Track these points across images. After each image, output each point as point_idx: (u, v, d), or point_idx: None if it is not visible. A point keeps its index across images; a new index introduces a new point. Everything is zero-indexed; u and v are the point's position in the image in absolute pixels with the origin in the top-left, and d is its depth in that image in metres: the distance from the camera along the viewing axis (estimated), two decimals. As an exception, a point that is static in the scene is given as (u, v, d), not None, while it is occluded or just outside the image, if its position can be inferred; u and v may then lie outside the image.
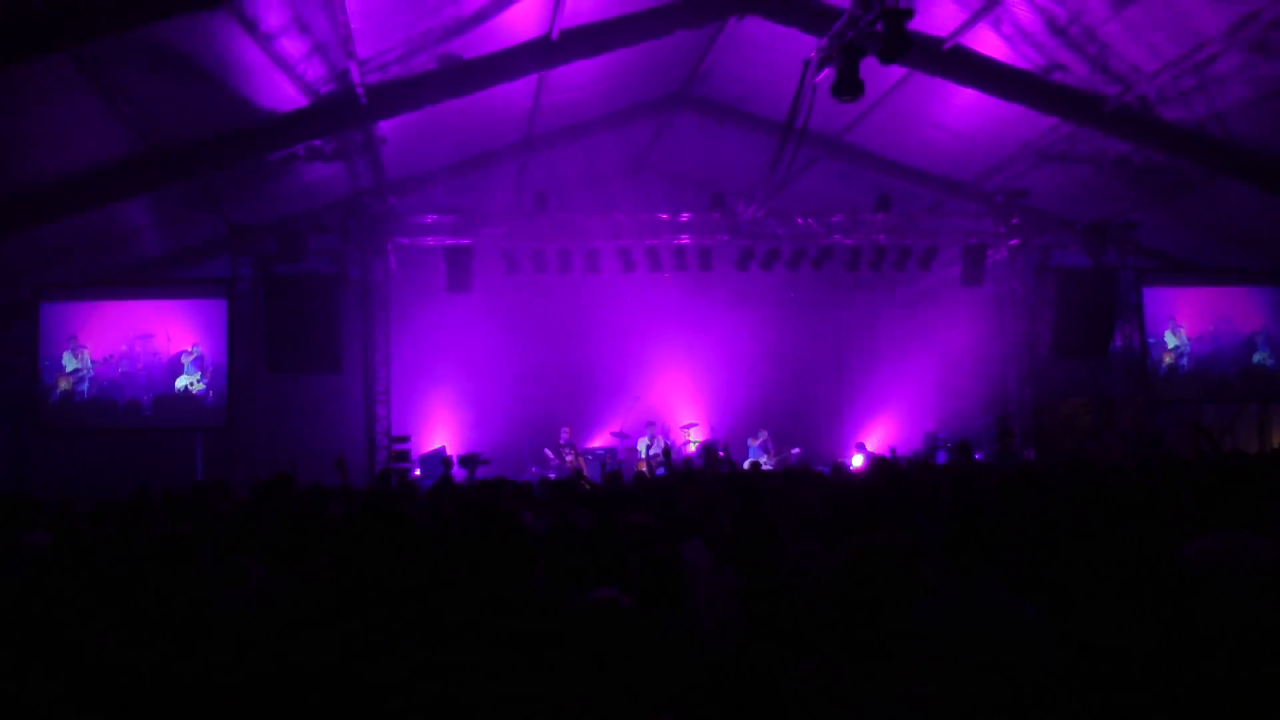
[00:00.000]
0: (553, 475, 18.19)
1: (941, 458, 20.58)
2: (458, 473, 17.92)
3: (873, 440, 24.64)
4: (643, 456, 21.17)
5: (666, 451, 17.27)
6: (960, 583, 4.38)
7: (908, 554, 4.16)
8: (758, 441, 22.08)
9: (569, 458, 20.90)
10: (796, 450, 22.23)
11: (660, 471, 17.63)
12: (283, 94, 14.75)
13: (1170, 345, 21.09)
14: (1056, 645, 4.21)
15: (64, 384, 18.24)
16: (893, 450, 21.26)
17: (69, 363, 18.26)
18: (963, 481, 7.87)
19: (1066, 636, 4.33)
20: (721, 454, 20.11)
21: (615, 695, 3.58)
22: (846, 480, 11.88)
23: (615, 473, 14.42)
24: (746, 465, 20.25)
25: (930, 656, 4.11)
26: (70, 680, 3.85)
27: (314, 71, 14.41)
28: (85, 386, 18.28)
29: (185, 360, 18.56)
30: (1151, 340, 20.99)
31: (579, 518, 7.92)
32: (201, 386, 18.54)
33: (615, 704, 3.54)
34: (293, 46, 13.58)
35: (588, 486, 12.85)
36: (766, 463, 21.02)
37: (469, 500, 10.23)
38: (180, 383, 18.49)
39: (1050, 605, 4.49)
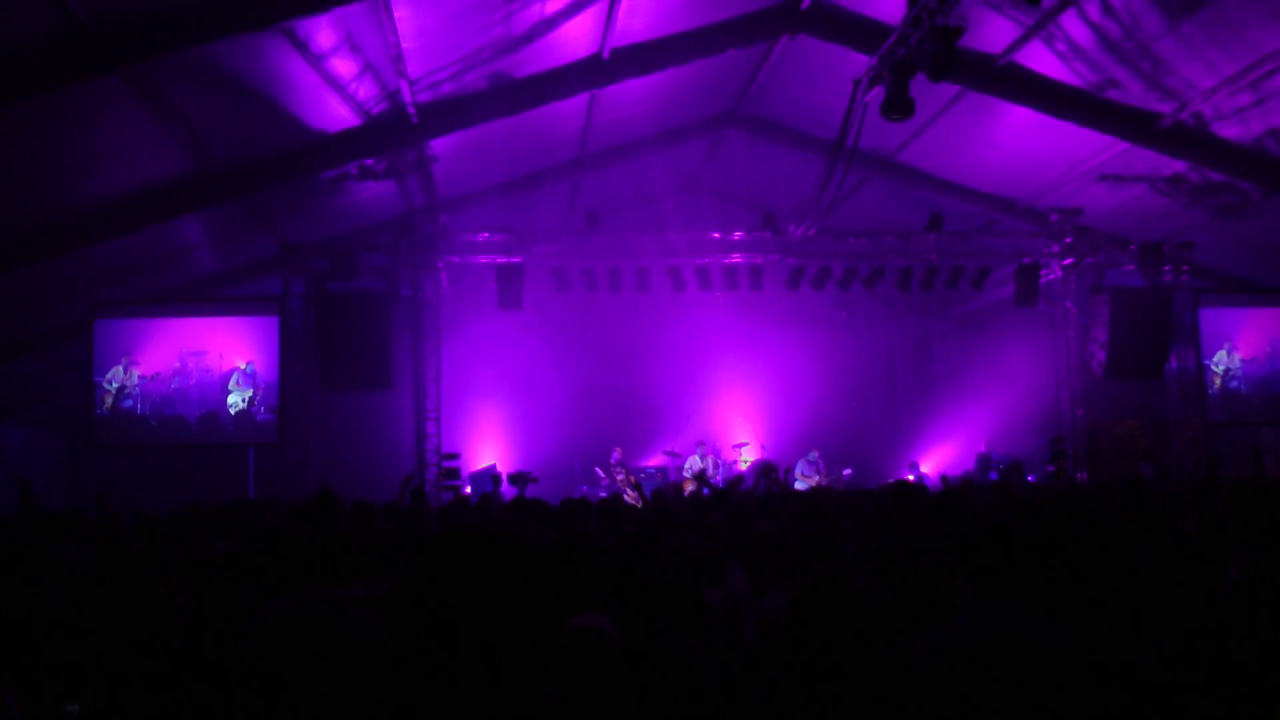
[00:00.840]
0: (603, 493, 18.22)
1: (994, 478, 20.43)
2: (507, 490, 17.94)
3: (928, 461, 24.50)
4: (687, 476, 21.12)
5: (701, 474, 17.18)
6: (985, 606, 4.31)
7: (942, 576, 4.10)
8: (809, 461, 21.98)
9: (620, 477, 20.88)
10: (848, 471, 22.12)
11: (706, 492, 17.57)
12: (335, 113, 14.85)
13: (1221, 369, 20.83)
14: (1084, 673, 4.14)
15: (117, 401, 18.42)
16: (944, 476, 21.12)
17: (122, 379, 18.45)
18: (1002, 503, 7.77)
19: (1103, 663, 4.26)
20: (782, 476, 20.08)
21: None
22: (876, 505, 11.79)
23: (657, 491, 14.39)
24: (799, 486, 20.14)
25: (950, 681, 4.04)
26: (104, 693, 3.87)
27: (366, 91, 14.51)
28: (138, 403, 18.45)
29: (237, 377, 18.71)
30: (1206, 362, 20.75)
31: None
32: (254, 403, 18.67)
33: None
34: (344, 66, 13.68)
35: (633, 503, 12.82)
36: (819, 482, 20.93)
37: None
38: (232, 399, 18.63)
39: (1091, 630, 4.42)
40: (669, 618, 4.71)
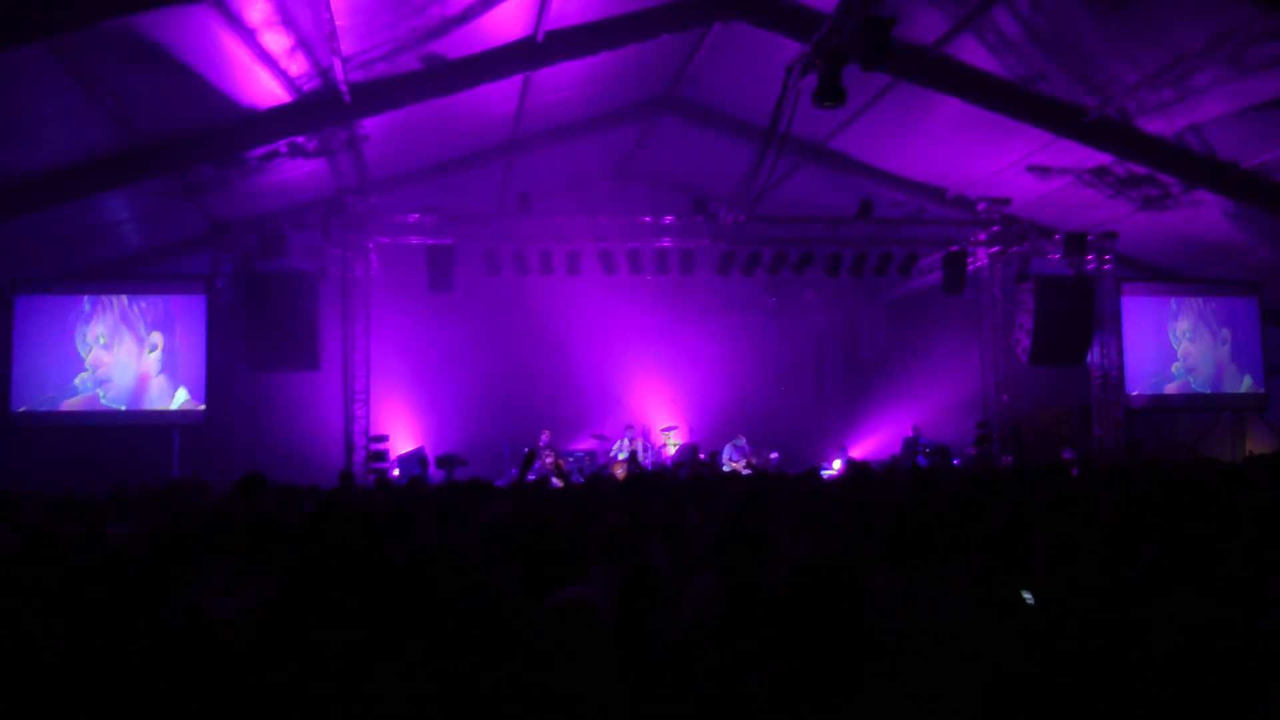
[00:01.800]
0: (532, 477, 18.22)
1: (922, 462, 20.69)
2: (435, 474, 17.92)
3: (857, 446, 24.76)
4: (617, 459, 21.20)
5: (632, 455, 17.26)
6: (906, 582, 4.43)
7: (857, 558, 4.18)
8: (735, 445, 22.14)
9: (549, 460, 20.90)
10: (775, 455, 22.30)
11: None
12: (265, 90, 14.71)
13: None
14: (1002, 642, 4.26)
15: (37, 378, 18.17)
16: (855, 460, 21.38)
17: (42, 357, 18.20)
18: (923, 485, 7.91)
19: (1022, 632, 4.38)
20: (704, 457, 20.20)
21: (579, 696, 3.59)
22: (821, 485, 11.91)
23: (596, 474, 14.45)
24: (725, 469, 20.27)
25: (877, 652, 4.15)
26: (27, 681, 3.85)
27: (298, 68, 14.38)
28: (60, 381, 18.21)
29: (163, 356, 18.52)
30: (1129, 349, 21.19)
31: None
32: (179, 383, 18.49)
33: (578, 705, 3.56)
34: (276, 42, 13.53)
35: (560, 485, 12.86)
36: (744, 468, 21.06)
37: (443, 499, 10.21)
38: (157, 379, 18.44)
39: (1012, 603, 4.54)
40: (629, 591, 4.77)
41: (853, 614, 3.59)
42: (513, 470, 21.08)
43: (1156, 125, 16.41)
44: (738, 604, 5.05)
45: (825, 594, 3.59)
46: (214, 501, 12.10)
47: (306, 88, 14.98)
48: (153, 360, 18.56)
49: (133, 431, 18.91)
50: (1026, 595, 4.95)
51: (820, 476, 13.14)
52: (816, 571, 3.67)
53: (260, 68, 14.01)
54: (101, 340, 18.39)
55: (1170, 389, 21.61)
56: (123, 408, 18.40)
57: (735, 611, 5.03)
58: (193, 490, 13.11)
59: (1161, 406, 21.95)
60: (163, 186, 16.95)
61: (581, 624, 3.86)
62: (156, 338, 18.58)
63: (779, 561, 3.78)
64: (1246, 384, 21.73)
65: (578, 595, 4.00)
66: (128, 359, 18.49)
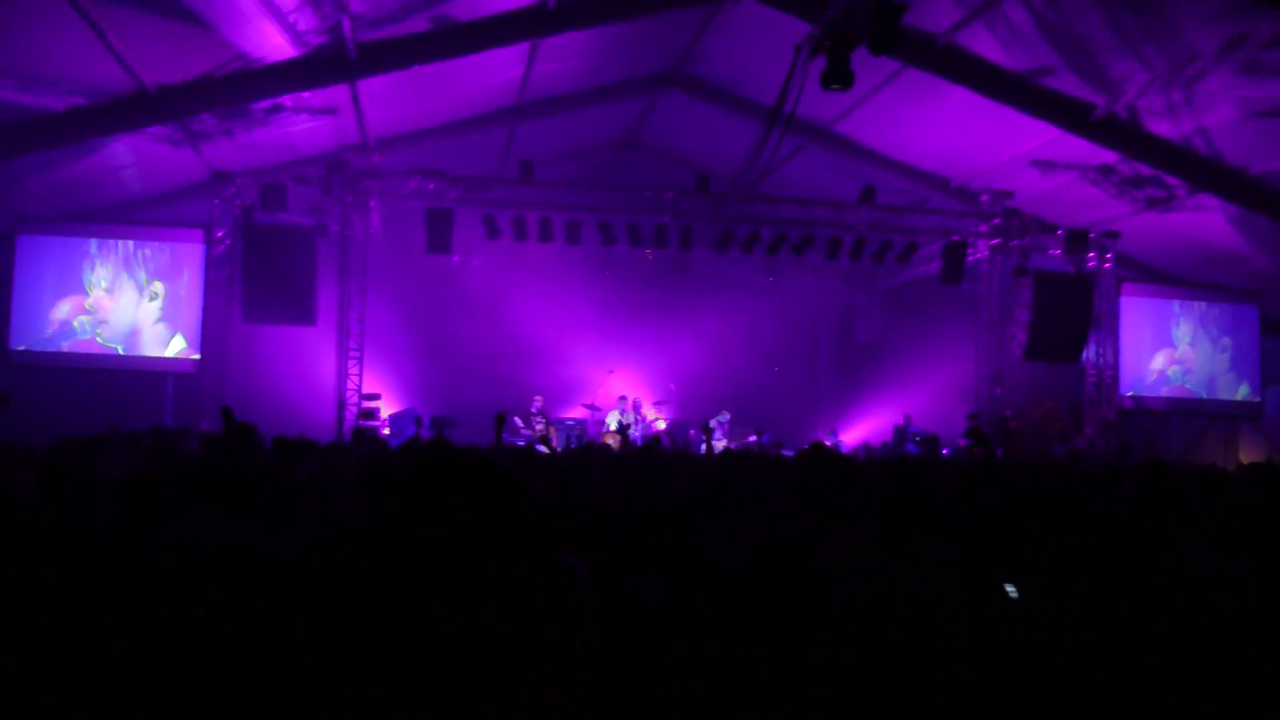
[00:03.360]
0: (520, 442, 18.22)
1: (911, 450, 20.73)
2: (426, 434, 17.91)
3: (848, 431, 24.78)
4: (608, 430, 21.20)
5: (623, 429, 17.25)
6: (887, 560, 4.49)
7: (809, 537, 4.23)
8: (719, 422, 22.14)
9: (539, 426, 20.90)
10: (764, 436, 22.29)
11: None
12: (273, 43, 14.65)
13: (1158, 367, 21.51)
14: (972, 626, 4.30)
15: (36, 319, 18.19)
16: (866, 445, 21.40)
17: (43, 297, 18.22)
18: (904, 473, 7.92)
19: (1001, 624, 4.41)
20: (692, 433, 20.18)
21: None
22: (780, 464, 11.91)
23: (588, 446, 14.45)
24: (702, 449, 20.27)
25: (849, 624, 4.20)
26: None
27: (306, 22, 14.32)
28: (56, 324, 18.23)
29: (163, 305, 18.53)
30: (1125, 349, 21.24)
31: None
32: (174, 330, 18.51)
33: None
34: (286, -3, 13.53)
35: (546, 452, 12.86)
36: (724, 444, 21.05)
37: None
38: (155, 327, 18.45)
39: (993, 591, 4.57)
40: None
41: (801, 588, 3.62)
42: (503, 435, 21.07)
43: (1164, 126, 16.39)
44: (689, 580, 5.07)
45: (776, 568, 3.62)
46: (203, 449, 12.09)
47: (314, 43, 14.91)
48: (152, 308, 18.60)
49: (127, 377, 18.91)
50: (1010, 588, 4.97)
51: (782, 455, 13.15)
52: (767, 547, 3.70)
53: (268, 21, 13.96)
54: (103, 284, 18.43)
55: (1164, 392, 21.66)
56: (119, 349, 18.42)
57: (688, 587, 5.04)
58: (183, 437, 13.10)
59: (1154, 409, 22.01)
60: (166, 133, 16.93)
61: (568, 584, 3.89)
62: (158, 286, 18.62)
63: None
64: (1243, 392, 21.79)
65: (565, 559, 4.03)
66: (127, 305, 18.51)
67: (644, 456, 10.73)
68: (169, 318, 18.62)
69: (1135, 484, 8.43)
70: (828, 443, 21.51)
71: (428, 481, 1.92)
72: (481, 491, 1.91)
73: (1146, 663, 4.20)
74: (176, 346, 18.60)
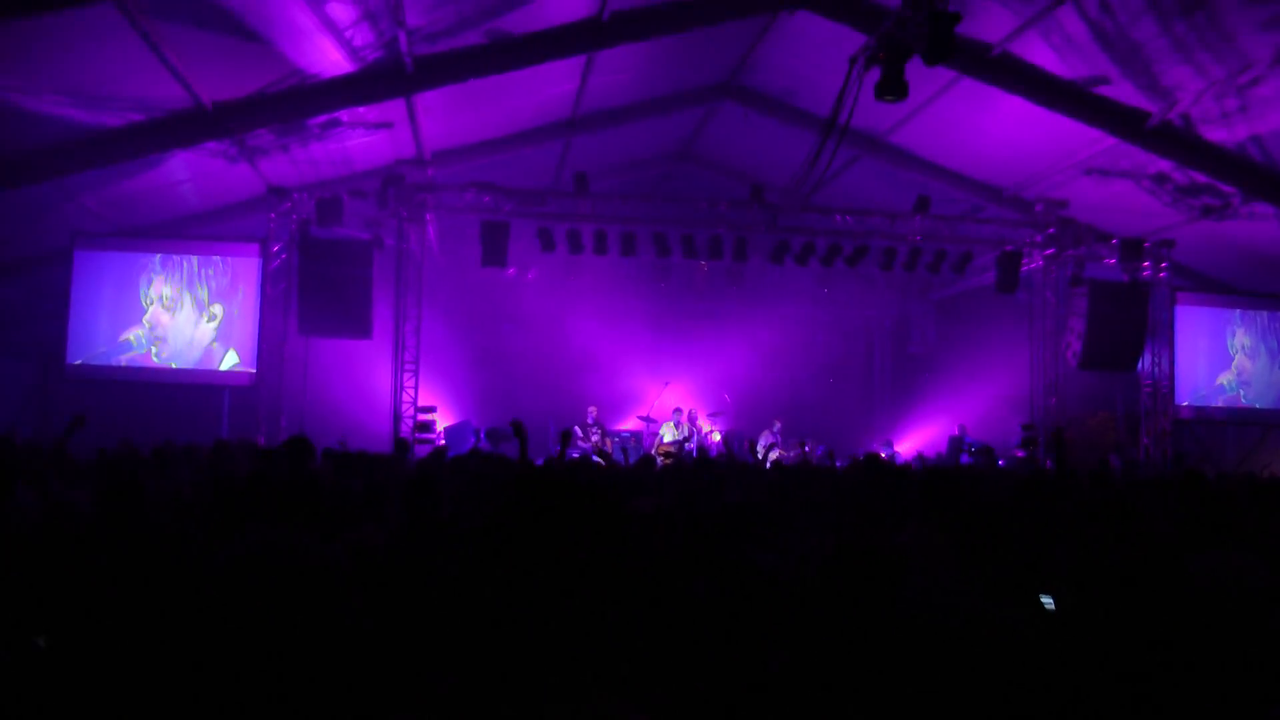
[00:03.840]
0: (575, 454, 18.28)
1: (965, 461, 20.63)
2: (482, 445, 18.01)
3: (903, 442, 24.68)
4: (663, 442, 21.23)
5: (680, 444, 17.25)
6: (947, 584, 4.45)
7: (894, 554, 4.20)
8: (772, 431, 22.15)
9: (595, 438, 20.96)
10: (819, 447, 22.24)
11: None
12: (329, 58, 14.80)
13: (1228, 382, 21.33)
14: (1035, 653, 4.27)
15: (93, 333, 18.42)
16: (920, 455, 21.32)
17: (100, 312, 18.45)
18: (967, 485, 7.91)
19: (1061, 642, 4.38)
20: (746, 444, 20.21)
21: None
22: (836, 477, 11.91)
23: (647, 458, 14.50)
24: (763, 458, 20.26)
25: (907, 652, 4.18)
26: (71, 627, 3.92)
27: (362, 38, 14.45)
28: (115, 337, 18.45)
29: (217, 324, 18.72)
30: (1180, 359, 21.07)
31: None
32: (227, 347, 18.70)
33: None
34: (343, 11, 13.63)
35: (603, 464, 12.91)
36: (778, 453, 21.03)
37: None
38: (210, 340, 18.64)
39: (1047, 608, 4.55)
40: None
41: (884, 603, 3.62)
42: (556, 447, 21.13)
43: (1219, 134, 16.28)
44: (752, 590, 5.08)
45: (858, 583, 3.62)
46: (257, 463, 12.19)
47: (370, 58, 15.05)
48: (209, 329, 18.78)
49: (183, 390, 19.13)
50: (1047, 600, 4.95)
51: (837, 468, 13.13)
52: (850, 561, 3.70)
53: (325, 37, 14.10)
54: (164, 301, 18.64)
55: (1220, 402, 21.46)
56: (175, 365, 18.62)
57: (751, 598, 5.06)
58: (239, 451, 13.21)
59: (1210, 419, 21.82)
60: (223, 149, 17.11)
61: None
62: (218, 309, 18.81)
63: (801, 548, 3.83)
64: (1298, 403, 21.57)
65: None
66: (185, 324, 18.71)
67: (697, 468, 10.78)
68: (224, 336, 18.80)
69: (1176, 495, 8.40)
70: (883, 454, 21.52)
71: (531, 497, 1.97)
72: (578, 507, 1.96)
73: (1157, 672, 4.20)
74: (230, 362, 18.77)
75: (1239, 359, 21.50)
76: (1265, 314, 21.60)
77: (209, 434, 17.29)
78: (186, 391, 19.23)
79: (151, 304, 18.64)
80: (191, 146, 16.46)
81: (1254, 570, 5.21)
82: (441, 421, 21.09)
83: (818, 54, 17.26)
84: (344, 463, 10.43)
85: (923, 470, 11.39)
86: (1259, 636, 4.39)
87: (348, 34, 14.22)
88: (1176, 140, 16.75)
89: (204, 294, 18.75)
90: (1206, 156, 16.96)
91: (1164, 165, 17.75)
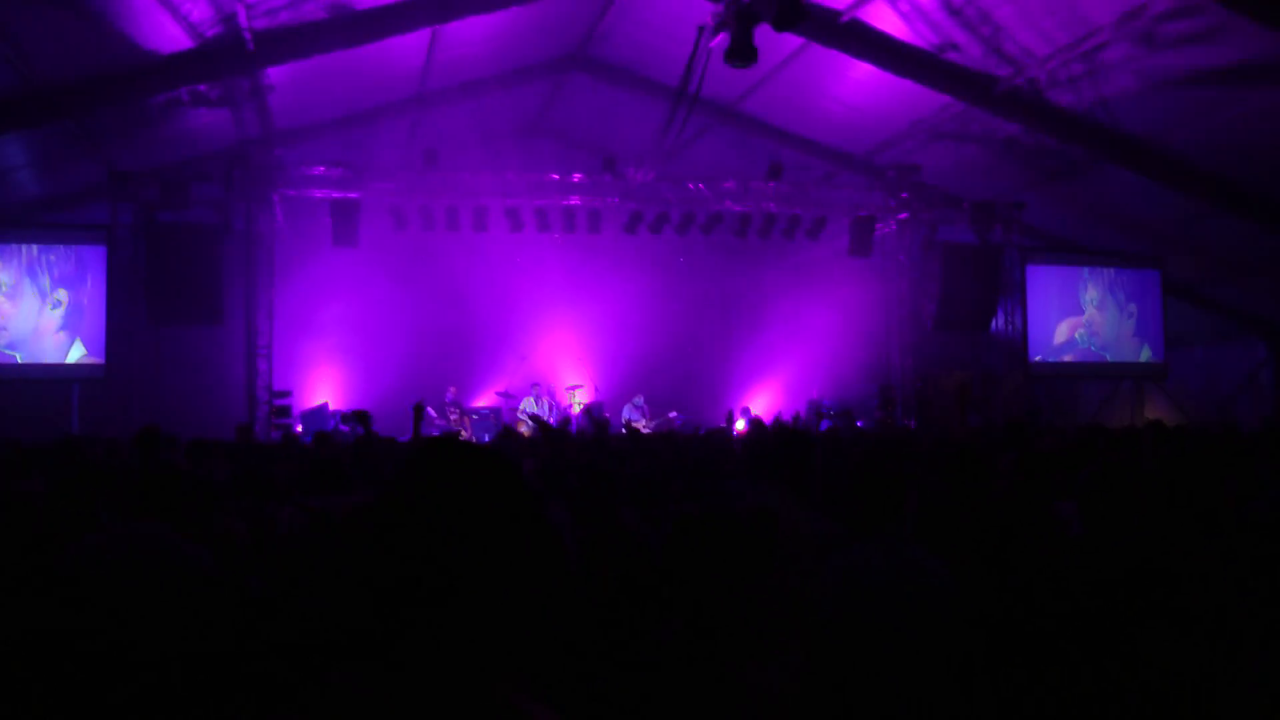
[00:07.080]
0: (435, 434, 18.06)
1: (825, 425, 20.82)
2: (341, 429, 17.71)
3: (757, 406, 24.80)
4: (521, 417, 21.07)
5: (537, 417, 17.19)
6: (873, 541, 4.49)
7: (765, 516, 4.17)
8: (634, 405, 22.16)
9: (453, 417, 20.75)
10: (674, 415, 22.31)
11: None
12: (167, 34, 14.33)
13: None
14: (959, 600, 4.33)
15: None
16: (778, 416, 21.45)
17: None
18: (861, 445, 8.02)
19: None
20: (603, 417, 20.18)
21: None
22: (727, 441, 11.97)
23: (504, 430, 14.37)
24: (623, 429, 20.25)
25: (841, 612, 4.19)
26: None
27: (200, 13, 14.02)
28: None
29: (66, 313, 18.09)
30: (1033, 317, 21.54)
31: None
32: (74, 337, 18.10)
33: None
34: (178, -15, 13.24)
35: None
36: (644, 426, 21.03)
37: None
38: (56, 331, 18.02)
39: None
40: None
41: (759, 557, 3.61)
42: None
43: (1066, 98, 16.59)
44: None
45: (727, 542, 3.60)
46: (110, 456, 11.83)
47: (209, 33, 14.62)
48: (54, 316, 18.11)
49: (29, 385, 18.47)
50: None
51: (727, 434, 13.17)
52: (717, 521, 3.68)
53: (161, 11, 13.65)
54: (3, 289, 17.91)
55: (1069, 357, 22.00)
56: (18, 357, 17.96)
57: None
58: (90, 447, 12.80)
59: (1062, 373, 22.38)
60: (60, 132, 16.53)
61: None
62: (62, 294, 18.11)
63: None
64: (1145, 354, 22.21)
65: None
66: (28, 312, 18.02)
67: (556, 439, 10.72)
68: (70, 325, 18.15)
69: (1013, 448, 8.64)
70: (741, 420, 21.63)
71: (431, 471, 1.87)
72: (486, 481, 1.87)
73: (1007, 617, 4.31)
74: (76, 353, 18.14)
75: (1090, 313, 22.07)
76: (1112, 270, 22.16)
77: (59, 429, 16.76)
78: (33, 386, 18.55)
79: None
80: (28, 129, 15.90)
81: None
82: (313, 403, 20.70)
83: (667, 23, 17.24)
84: (205, 453, 10.13)
85: (786, 432, 11.44)
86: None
87: (184, 9, 13.78)
88: (1025, 105, 17.07)
89: (46, 281, 18.07)
90: (1054, 120, 17.30)
91: (1013, 129, 18.08)
